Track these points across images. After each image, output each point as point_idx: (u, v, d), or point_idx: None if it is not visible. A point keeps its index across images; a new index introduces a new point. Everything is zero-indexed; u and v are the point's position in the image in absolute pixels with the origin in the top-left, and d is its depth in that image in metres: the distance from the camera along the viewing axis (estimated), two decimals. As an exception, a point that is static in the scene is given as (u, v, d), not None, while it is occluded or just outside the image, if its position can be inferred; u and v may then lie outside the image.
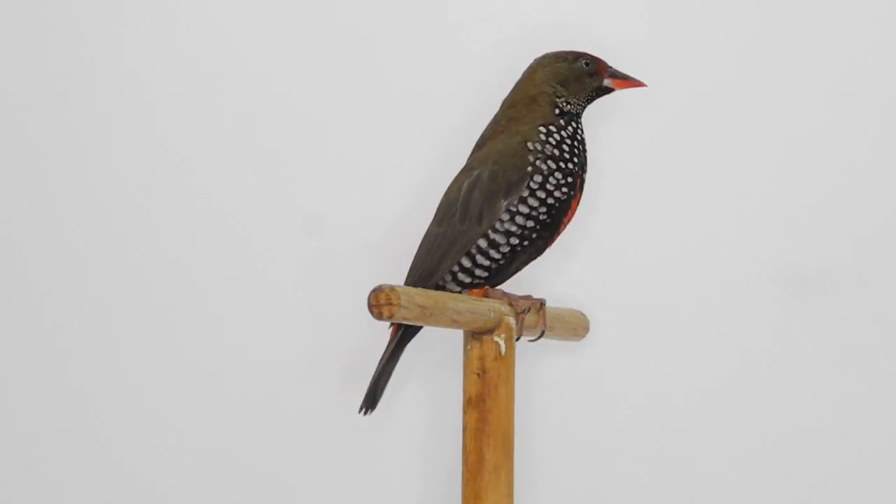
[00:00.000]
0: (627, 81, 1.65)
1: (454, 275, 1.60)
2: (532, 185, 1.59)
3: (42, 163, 1.78)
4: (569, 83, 1.63)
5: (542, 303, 1.62)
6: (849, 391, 1.77)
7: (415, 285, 1.61)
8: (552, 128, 1.61)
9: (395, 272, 1.65)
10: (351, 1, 1.78)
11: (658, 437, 1.77)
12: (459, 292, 1.60)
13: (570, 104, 1.63)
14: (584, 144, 1.62)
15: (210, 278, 1.77)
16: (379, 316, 1.46)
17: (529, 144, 1.60)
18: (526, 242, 1.59)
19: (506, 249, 1.59)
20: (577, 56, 1.64)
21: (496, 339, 1.55)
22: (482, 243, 1.59)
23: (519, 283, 1.65)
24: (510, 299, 1.59)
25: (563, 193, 1.59)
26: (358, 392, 1.64)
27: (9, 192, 1.78)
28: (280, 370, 1.77)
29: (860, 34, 1.78)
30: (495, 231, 1.59)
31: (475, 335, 1.56)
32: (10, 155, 1.78)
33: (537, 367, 1.75)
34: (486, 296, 1.59)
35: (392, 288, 1.46)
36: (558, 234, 1.61)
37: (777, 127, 1.78)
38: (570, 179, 1.60)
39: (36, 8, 1.78)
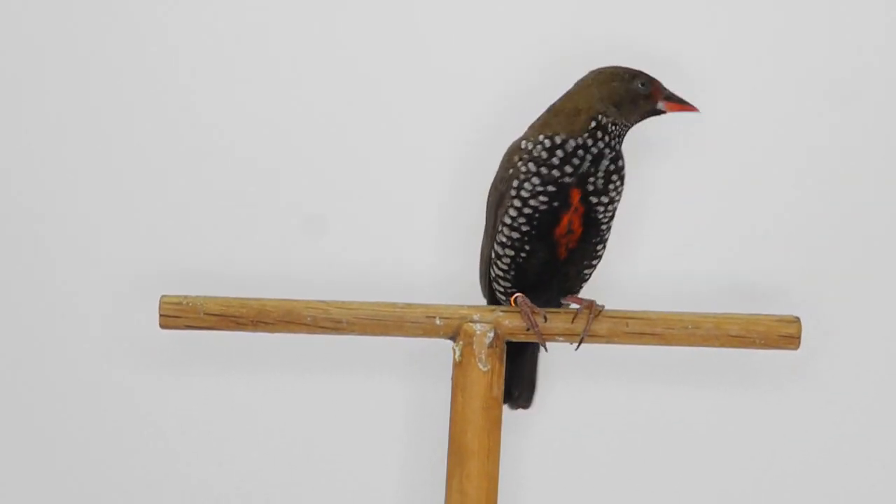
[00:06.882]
0: (681, 105, 1.56)
1: (494, 283, 1.60)
2: (512, 191, 1.54)
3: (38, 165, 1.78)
4: (622, 104, 1.55)
5: (587, 305, 1.57)
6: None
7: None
8: (558, 137, 1.54)
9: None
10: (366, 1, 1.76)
11: (654, 458, 1.81)
12: (506, 300, 1.59)
13: (617, 125, 1.55)
14: (598, 162, 1.53)
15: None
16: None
17: (523, 143, 1.55)
18: (523, 254, 1.55)
19: (507, 261, 1.56)
20: (633, 75, 1.56)
21: (453, 345, 1.57)
22: (493, 254, 1.58)
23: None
24: (521, 307, 1.56)
25: (543, 203, 1.53)
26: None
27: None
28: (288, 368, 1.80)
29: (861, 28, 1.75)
30: (496, 242, 1.57)
31: (454, 341, 1.58)
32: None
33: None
34: (515, 304, 1.57)
35: (161, 298, 1.56)
36: (561, 247, 1.54)
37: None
38: (550, 188, 1.53)
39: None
